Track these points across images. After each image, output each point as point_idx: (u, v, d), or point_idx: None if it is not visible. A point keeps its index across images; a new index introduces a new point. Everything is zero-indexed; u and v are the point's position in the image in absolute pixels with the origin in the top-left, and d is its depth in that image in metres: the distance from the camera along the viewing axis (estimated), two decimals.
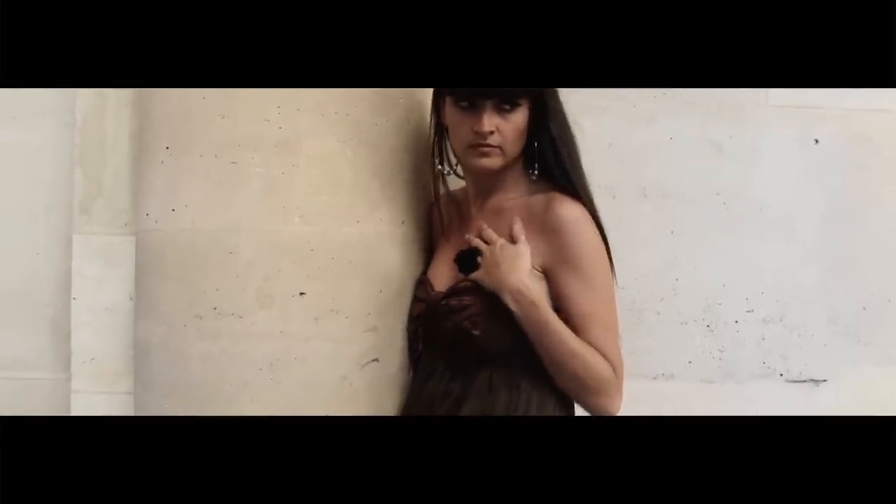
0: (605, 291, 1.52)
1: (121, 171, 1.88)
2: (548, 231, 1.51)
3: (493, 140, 1.51)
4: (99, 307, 1.88)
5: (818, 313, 2.04)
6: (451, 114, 1.55)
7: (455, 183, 1.67)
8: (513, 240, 1.53)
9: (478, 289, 1.53)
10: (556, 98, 1.56)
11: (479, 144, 1.52)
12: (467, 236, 1.59)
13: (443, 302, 1.56)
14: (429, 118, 1.64)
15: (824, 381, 2.04)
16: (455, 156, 1.62)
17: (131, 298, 1.77)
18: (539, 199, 1.55)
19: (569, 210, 1.51)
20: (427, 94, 1.64)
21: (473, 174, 1.62)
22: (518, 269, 1.49)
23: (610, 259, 1.54)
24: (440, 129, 1.61)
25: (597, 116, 1.95)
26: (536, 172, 1.57)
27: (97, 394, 1.88)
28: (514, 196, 1.59)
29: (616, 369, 1.50)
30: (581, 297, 1.50)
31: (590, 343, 1.49)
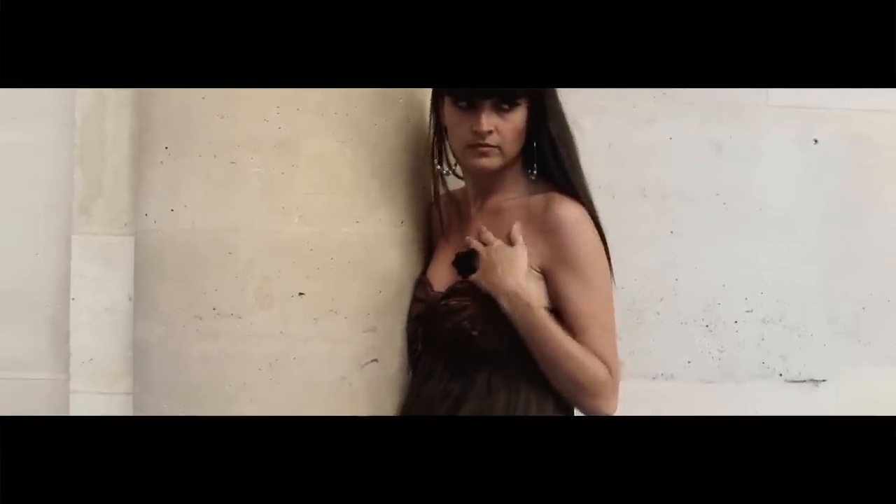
0: (604, 292, 1.52)
1: (120, 172, 1.88)
2: (547, 231, 1.51)
3: (491, 140, 1.51)
4: (98, 307, 1.88)
5: (818, 313, 2.04)
6: (450, 114, 1.55)
7: (454, 183, 1.67)
8: (511, 241, 1.53)
9: (477, 289, 1.52)
10: (554, 98, 1.56)
11: (477, 144, 1.52)
12: (466, 238, 1.59)
13: (442, 302, 1.56)
14: (428, 118, 1.63)
15: (824, 381, 2.04)
16: (454, 156, 1.62)
17: (130, 299, 1.77)
18: (538, 199, 1.54)
19: (568, 210, 1.50)
20: (426, 94, 1.64)
21: (472, 174, 1.61)
22: (514, 271, 1.49)
23: (608, 259, 1.54)
24: (439, 130, 1.61)
25: (597, 116, 1.95)
26: (535, 172, 1.57)
27: (96, 394, 1.89)
28: (514, 196, 1.58)
29: (612, 371, 1.50)
30: (579, 297, 1.49)
31: (587, 344, 1.48)
